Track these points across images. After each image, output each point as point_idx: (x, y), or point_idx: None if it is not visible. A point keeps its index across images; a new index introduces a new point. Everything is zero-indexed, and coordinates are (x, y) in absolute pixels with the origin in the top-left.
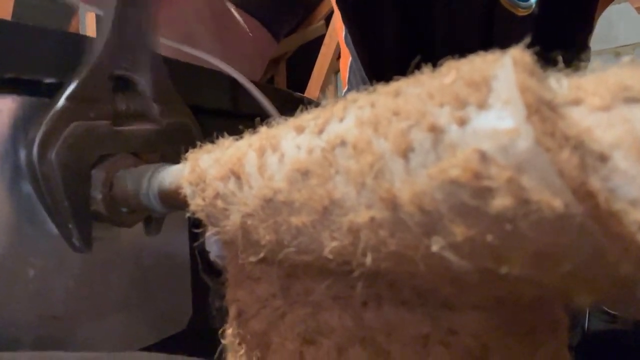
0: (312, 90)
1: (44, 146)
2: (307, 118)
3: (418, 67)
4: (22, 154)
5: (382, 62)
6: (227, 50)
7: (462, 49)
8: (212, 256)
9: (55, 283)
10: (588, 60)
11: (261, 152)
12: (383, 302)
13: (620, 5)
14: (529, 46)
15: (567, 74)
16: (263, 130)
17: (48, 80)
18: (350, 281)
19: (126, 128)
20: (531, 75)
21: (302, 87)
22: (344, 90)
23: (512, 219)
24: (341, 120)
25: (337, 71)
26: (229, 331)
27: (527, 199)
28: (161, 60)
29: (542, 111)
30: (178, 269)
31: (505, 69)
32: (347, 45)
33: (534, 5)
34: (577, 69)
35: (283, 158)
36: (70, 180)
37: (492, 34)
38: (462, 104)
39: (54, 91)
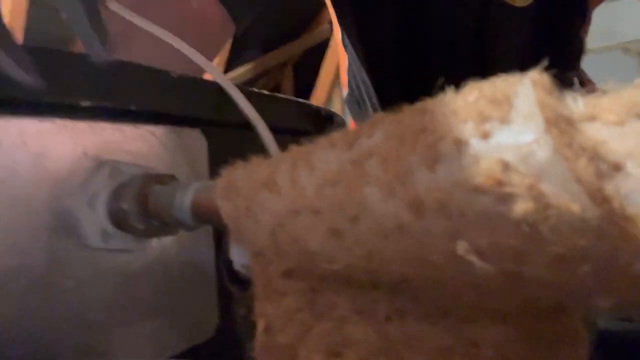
0: (319, 94)
1: None
2: (336, 136)
3: (442, 88)
4: None
5: (380, 59)
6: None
7: (459, 43)
8: (236, 265)
9: (91, 293)
10: (583, 53)
11: (293, 166)
12: (406, 316)
13: (626, 0)
14: (528, 39)
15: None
16: (294, 147)
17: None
18: (374, 295)
19: None
20: (549, 93)
21: (309, 92)
22: (345, 93)
23: (533, 223)
24: (370, 136)
25: None
26: (257, 345)
27: (547, 204)
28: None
29: (560, 125)
30: (205, 278)
31: (525, 88)
32: (345, 46)
33: None
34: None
35: (314, 171)
36: None
37: (488, 26)
38: (485, 119)
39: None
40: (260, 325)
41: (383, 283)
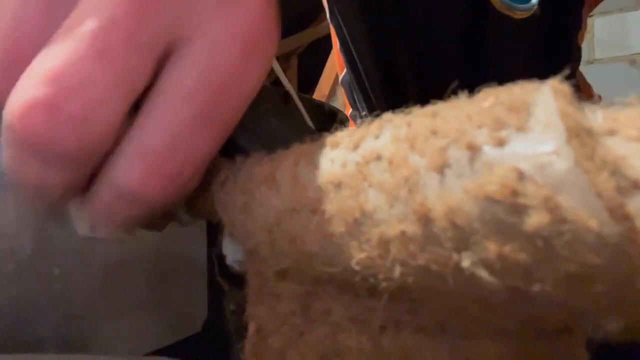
0: (323, 87)
1: None
2: (341, 135)
3: (454, 92)
4: None
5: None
6: None
7: (454, 56)
8: (229, 260)
9: (79, 283)
10: (579, 59)
11: (295, 164)
12: (402, 327)
13: (636, 12)
14: (526, 48)
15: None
16: (296, 145)
17: None
18: (369, 304)
19: None
20: (570, 103)
21: (313, 83)
22: (349, 112)
23: (546, 237)
24: (377, 137)
25: None
26: (248, 347)
27: (563, 218)
28: None
29: (581, 136)
30: (195, 272)
31: (545, 96)
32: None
33: (535, 7)
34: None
35: (316, 170)
36: None
37: (487, 38)
38: (500, 125)
39: None
40: (252, 327)
41: (381, 290)
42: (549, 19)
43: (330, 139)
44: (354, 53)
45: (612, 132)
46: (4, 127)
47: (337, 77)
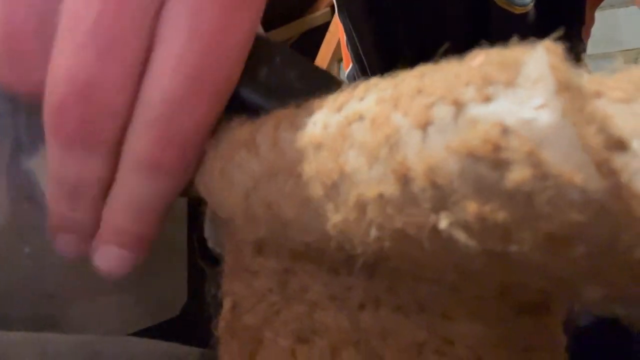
0: None
1: None
2: (325, 99)
3: (444, 55)
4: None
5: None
6: None
7: (456, 50)
8: (210, 243)
9: (51, 261)
10: (583, 53)
11: (275, 127)
12: (380, 306)
13: (628, 8)
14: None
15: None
16: (279, 110)
17: None
18: (348, 282)
19: None
20: (562, 60)
21: None
22: (347, 69)
23: (528, 193)
24: (361, 99)
25: (340, 59)
26: (222, 324)
27: (546, 173)
28: None
29: (571, 90)
30: (175, 254)
31: (537, 54)
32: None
33: (530, 3)
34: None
35: (297, 132)
36: None
37: (489, 32)
38: (488, 83)
39: None
40: (227, 304)
41: (356, 257)
42: (548, 14)
43: (313, 103)
44: (359, 48)
45: (598, 95)
46: (47, 130)
47: (328, 68)
